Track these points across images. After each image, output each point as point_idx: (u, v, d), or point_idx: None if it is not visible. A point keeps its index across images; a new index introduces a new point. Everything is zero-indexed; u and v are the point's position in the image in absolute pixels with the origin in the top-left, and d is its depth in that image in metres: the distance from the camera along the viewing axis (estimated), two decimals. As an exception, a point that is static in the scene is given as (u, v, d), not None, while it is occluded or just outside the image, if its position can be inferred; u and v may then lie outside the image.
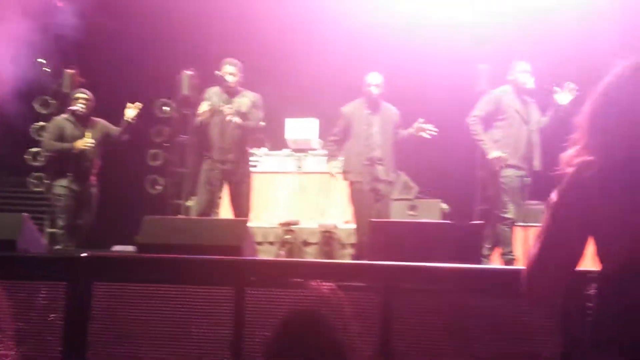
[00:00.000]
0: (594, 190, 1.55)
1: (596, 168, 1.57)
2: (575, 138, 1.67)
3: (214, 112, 6.10)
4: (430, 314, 2.52)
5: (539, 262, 1.60)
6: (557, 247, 1.59)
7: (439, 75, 8.05)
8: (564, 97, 5.81)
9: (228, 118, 5.96)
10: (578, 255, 1.61)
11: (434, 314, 2.52)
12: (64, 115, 6.68)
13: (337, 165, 6.41)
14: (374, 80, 6.30)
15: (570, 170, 1.62)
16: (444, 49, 8.05)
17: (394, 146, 6.29)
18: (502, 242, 5.84)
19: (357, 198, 6.19)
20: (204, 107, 6.08)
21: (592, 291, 1.59)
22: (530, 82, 5.98)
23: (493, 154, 5.84)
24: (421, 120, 6.19)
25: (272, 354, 2.42)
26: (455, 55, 8.06)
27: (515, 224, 6.00)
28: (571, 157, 1.65)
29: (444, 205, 7.84)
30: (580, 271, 1.65)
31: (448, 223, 4.45)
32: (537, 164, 5.93)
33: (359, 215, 6.21)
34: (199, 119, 6.12)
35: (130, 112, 6.42)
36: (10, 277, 2.70)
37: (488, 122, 6.02)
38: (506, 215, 5.86)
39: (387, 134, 6.23)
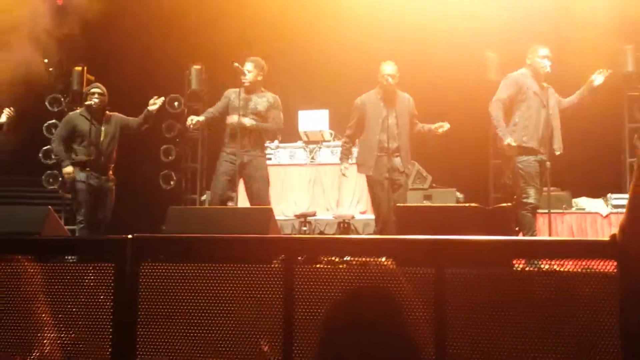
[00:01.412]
0: None
1: None
2: None
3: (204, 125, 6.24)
4: (484, 290, 2.50)
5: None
6: None
7: (450, 64, 8.05)
8: (598, 78, 5.93)
9: (244, 123, 5.99)
10: None
11: (488, 290, 2.50)
12: (77, 111, 6.67)
13: (347, 166, 6.35)
14: (389, 69, 6.21)
15: None
16: (453, 37, 8.05)
17: (410, 137, 6.24)
18: (525, 227, 5.80)
19: (373, 190, 6.16)
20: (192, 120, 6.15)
21: None
22: (548, 67, 5.97)
23: (506, 140, 5.83)
24: (443, 125, 6.17)
25: (327, 330, 2.42)
26: (465, 43, 8.06)
27: (538, 210, 5.96)
28: None
29: (459, 194, 7.84)
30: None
31: (475, 206, 4.44)
32: (557, 147, 5.93)
33: (376, 206, 6.19)
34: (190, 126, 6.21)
35: (154, 106, 6.45)
36: (58, 260, 2.69)
37: (510, 106, 6.01)
38: (527, 201, 5.83)
39: (403, 125, 6.17)
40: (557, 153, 5.91)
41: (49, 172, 8.31)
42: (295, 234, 3.17)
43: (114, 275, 2.53)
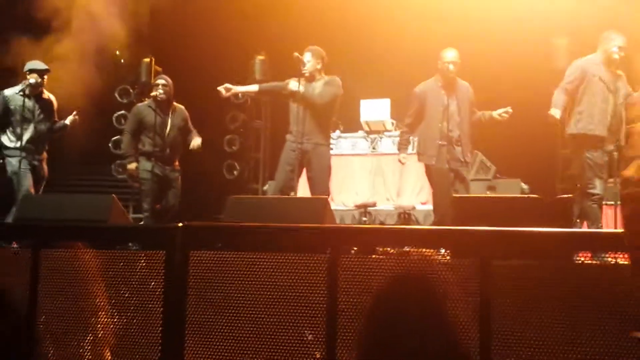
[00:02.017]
0: None
1: None
2: None
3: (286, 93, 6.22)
4: (529, 281, 2.44)
5: None
6: None
7: (516, 51, 7.84)
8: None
9: (294, 88, 5.99)
10: None
11: (534, 281, 2.44)
12: (145, 102, 6.85)
13: (406, 156, 6.30)
14: (451, 56, 6.09)
15: None
16: (519, 22, 7.83)
17: (470, 125, 6.13)
18: (590, 218, 5.62)
19: (434, 179, 6.08)
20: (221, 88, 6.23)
21: None
22: (616, 54, 5.75)
23: (551, 111, 5.74)
24: (508, 110, 6.06)
25: (370, 320, 2.41)
26: (532, 29, 7.83)
27: (604, 201, 5.78)
28: None
29: (524, 185, 7.65)
30: None
31: (535, 197, 4.31)
32: (622, 138, 5.70)
33: (436, 196, 6.11)
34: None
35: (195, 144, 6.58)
36: (112, 247, 2.79)
37: (575, 93, 5.84)
38: (593, 191, 5.64)
39: (464, 113, 6.06)
40: (621, 144, 5.69)
41: (118, 161, 8.59)
42: (347, 224, 3.19)
43: (165, 262, 2.61)
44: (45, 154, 6.52)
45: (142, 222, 6.69)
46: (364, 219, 7.35)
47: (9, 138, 6.36)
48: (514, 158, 8.04)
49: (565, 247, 2.70)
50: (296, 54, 6.05)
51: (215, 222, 4.03)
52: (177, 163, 6.63)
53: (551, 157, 8.35)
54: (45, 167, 6.47)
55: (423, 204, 7.50)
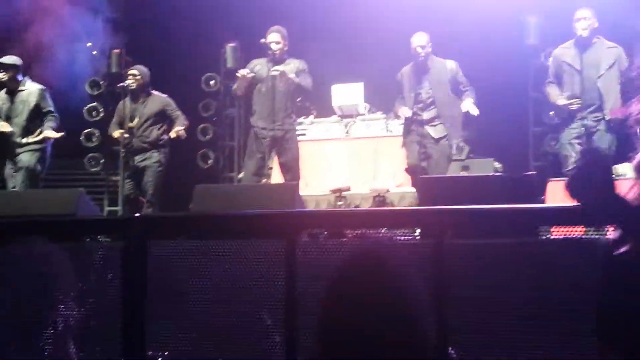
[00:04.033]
0: None
1: None
2: None
3: (253, 80, 6.18)
4: (486, 260, 2.45)
5: None
6: None
7: (488, 29, 7.84)
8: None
9: (274, 72, 5.97)
10: None
11: (491, 259, 2.46)
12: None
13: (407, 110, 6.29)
14: (417, 40, 6.24)
15: None
16: (490, 1, 7.82)
17: (451, 104, 6.21)
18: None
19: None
20: (242, 72, 6.16)
21: None
22: (580, 30, 5.81)
23: (559, 102, 5.85)
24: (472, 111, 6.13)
25: (328, 303, 2.41)
26: (504, 7, 7.83)
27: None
28: None
29: (497, 164, 7.68)
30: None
31: (499, 175, 4.35)
32: (606, 111, 5.78)
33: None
34: (235, 87, 6.27)
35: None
36: (69, 239, 2.76)
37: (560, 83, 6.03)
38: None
39: (438, 94, 6.15)
40: (606, 118, 5.77)
41: (90, 154, 8.52)
42: (297, 209, 3.21)
43: (122, 252, 2.59)
44: (31, 145, 6.33)
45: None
46: (340, 203, 7.35)
47: None
48: (487, 138, 8.08)
49: (527, 223, 2.71)
50: (263, 40, 6.05)
51: (173, 212, 4.00)
52: (152, 151, 6.54)
53: (524, 136, 8.40)
54: (26, 158, 6.30)
55: (398, 186, 7.52)
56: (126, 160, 6.48)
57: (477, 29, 7.86)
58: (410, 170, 6.12)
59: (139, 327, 2.56)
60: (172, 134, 6.47)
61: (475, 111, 6.08)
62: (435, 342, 2.45)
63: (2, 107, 6.33)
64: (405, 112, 6.19)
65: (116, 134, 6.58)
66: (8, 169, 6.25)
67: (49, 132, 6.24)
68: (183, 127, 6.51)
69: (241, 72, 6.10)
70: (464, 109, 6.11)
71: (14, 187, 6.14)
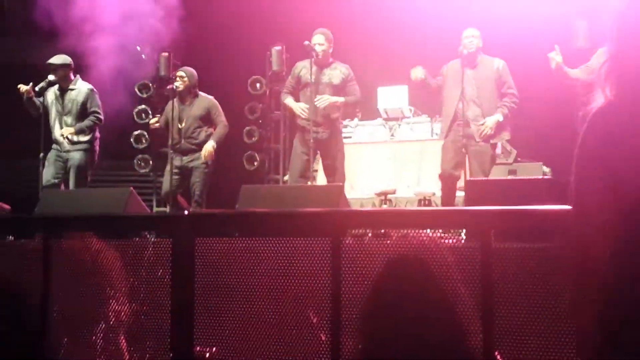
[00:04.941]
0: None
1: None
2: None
3: (300, 86, 6.24)
4: (533, 263, 2.43)
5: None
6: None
7: (537, 32, 7.73)
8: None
9: (318, 102, 6.00)
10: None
11: (537, 263, 2.43)
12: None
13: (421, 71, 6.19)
14: (471, 33, 6.18)
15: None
16: (540, 3, 7.72)
17: (494, 102, 6.10)
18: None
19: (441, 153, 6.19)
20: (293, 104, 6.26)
21: None
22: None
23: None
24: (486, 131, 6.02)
25: (371, 304, 2.42)
26: (553, 10, 7.72)
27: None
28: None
29: (546, 168, 7.56)
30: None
31: (548, 179, 4.27)
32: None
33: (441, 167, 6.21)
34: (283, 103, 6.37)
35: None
36: (119, 236, 2.84)
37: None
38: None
39: (483, 92, 6.06)
40: None
41: (140, 156, 8.69)
42: (343, 209, 3.22)
43: (172, 250, 2.65)
44: (82, 144, 6.51)
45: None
46: (385, 205, 7.34)
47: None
48: (536, 141, 7.95)
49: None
50: (307, 42, 6.08)
51: (221, 210, 4.07)
52: (200, 152, 6.63)
53: (573, 139, 8.23)
54: (78, 156, 6.47)
55: (443, 189, 7.46)
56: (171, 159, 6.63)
57: (526, 32, 7.76)
58: (442, 177, 6.06)
59: (187, 323, 2.61)
60: (203, 153, 6.57)
61: (487, 132, 5.95)
62: (481, 345, 2.44)
63: (54, 105, 6.52)
64: (417, 72, 6.09)
65: (153, 121, 6.85)
66: (54, 155, 6.42)
67: (66, 130, 6.42)
68: (212, 147, 6.58)
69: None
70: (485, 123, 5.98)
71: (55, 174, 6.33)
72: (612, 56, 1.50)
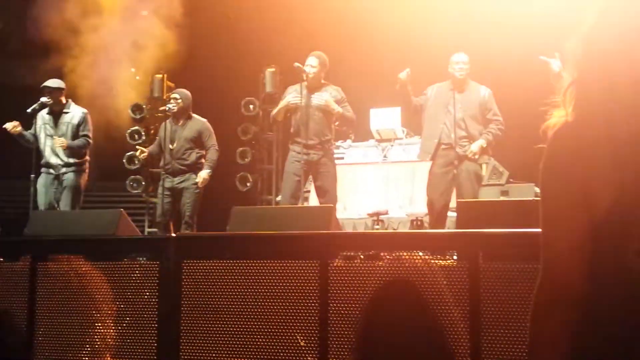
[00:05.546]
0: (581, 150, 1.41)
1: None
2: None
3: (290, 110, 6.28)
4: (521, 282, 2.42)
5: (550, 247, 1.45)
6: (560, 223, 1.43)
7: (527, 55, 7.79)
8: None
9: (318, 102, 6.05)
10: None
11: (526, 282, 2.42)
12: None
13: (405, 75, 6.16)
14: (456, 59, 6.21)
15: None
16: (533, 29, 7.78)
17: (479, 129, 6.12)
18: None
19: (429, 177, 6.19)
20: (283, 103, 6.27)
21: None
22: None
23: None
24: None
25: (363, 325, 2.40)
26: (544, 40, 7.78)
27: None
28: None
29: (537, 189, 7.58)
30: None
31: (540, 200, 4.26)
32: None
33: (428, 193, 6.21)
34: (275, 113, 6.39)
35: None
36: (106, 259, 2.82)
37: None
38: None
39: (470, 116, 6.10)
40: None
41: (132, 177, 8.67)
42: (331, 231, 3.21)
43: (159, 272, 2.63)
44: (76, 166, 6.52)
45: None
46: (377, 226, 7.33)
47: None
48: (528, 162, 7.96)
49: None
50: (297, 64, 6.12)
51: (208, 232, 4.05)
52: (190, 173, 6.64)
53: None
54: (72, 177, 6.47)
55: (435, 210, 7.45)
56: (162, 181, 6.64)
57: (515, 56, 7.82)
58: (430, 205, 6.07)
59: (173, 344, 2.59)
60: (198, 181, 6.60)
61: (473, 156, 5.99)
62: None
63: (45, 127, 6.52)
64: (403, 74, 6.07)
65: (142, 157, 6.82)
66: (48, 179, 6.42)
67: (58, 140, 6.43)
68: (207, 174, 6.61)
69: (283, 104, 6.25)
70: (470, 148, 6.00)
71: (51, 201, 6.32)
72: (577, 80, 1.49)
